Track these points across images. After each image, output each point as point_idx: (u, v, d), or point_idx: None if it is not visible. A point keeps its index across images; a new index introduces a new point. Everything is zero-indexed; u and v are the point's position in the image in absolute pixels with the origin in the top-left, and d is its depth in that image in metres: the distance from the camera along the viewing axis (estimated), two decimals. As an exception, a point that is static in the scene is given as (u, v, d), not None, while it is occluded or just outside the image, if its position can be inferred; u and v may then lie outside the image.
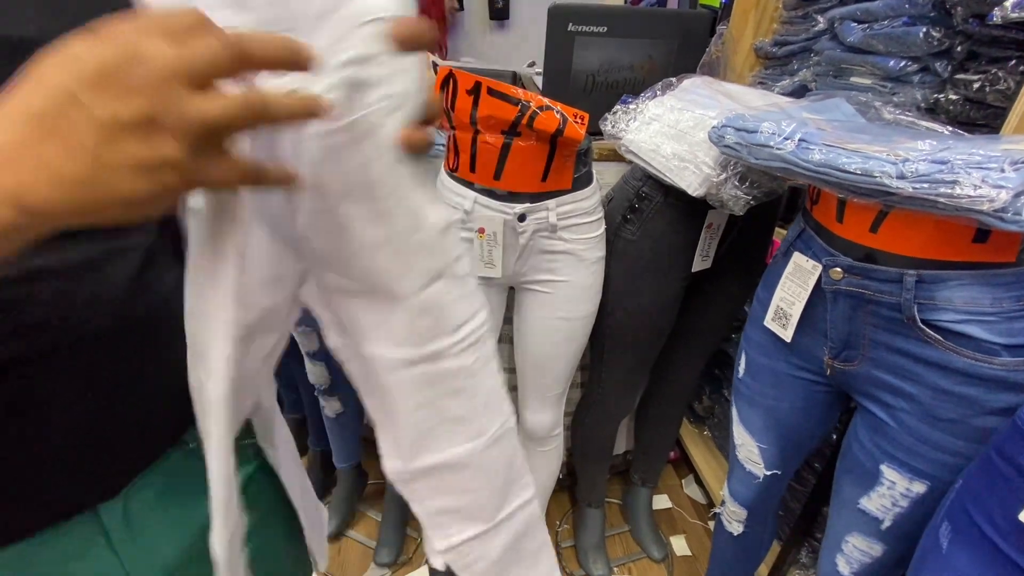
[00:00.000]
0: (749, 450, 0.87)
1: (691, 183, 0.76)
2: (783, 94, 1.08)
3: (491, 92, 0.71)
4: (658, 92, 0.83)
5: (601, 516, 1.40)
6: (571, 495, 1.58)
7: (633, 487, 1.47)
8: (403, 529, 1.41)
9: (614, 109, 0.83)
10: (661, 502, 1.61)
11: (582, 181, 0.82)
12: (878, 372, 0.64)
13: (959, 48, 0.89)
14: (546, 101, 0.71)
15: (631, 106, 0.82)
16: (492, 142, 0.75)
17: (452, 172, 0.84)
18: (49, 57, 0.20)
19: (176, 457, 0.40)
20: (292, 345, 1.33)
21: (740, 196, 0.71)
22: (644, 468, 1.42)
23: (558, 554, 1.43)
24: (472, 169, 0.80)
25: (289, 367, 1.50)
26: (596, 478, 1.34)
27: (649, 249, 0.91)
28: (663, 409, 1.27)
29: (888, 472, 0.65)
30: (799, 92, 1.18)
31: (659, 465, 1.41)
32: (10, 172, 0.20)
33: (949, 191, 0.46)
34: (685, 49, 1.06)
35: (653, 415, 1.29)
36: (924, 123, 0.67)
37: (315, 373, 1.20)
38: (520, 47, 1.94)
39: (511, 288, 0.98)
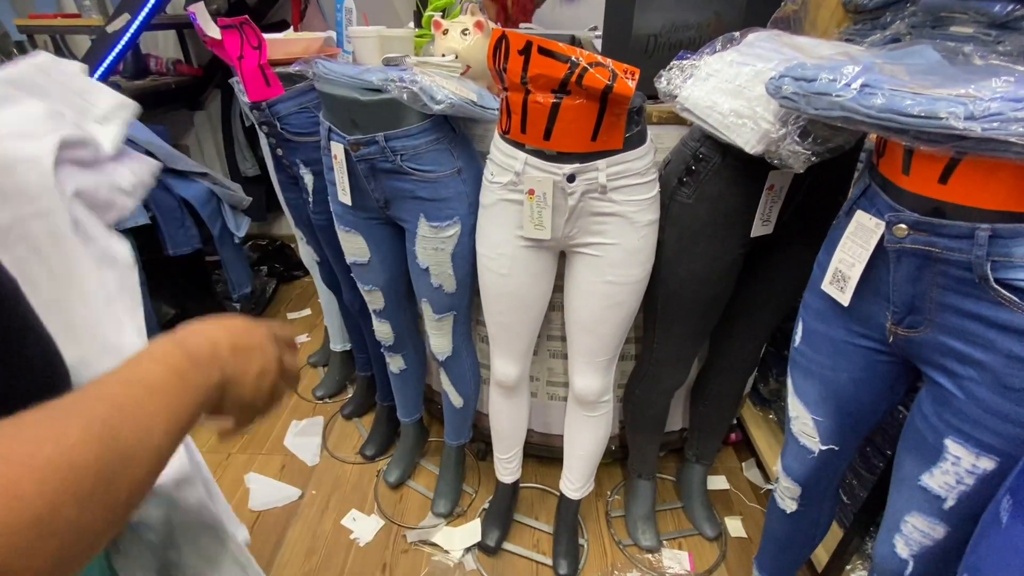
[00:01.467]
0: (804, 423, 0.84)
1: (748, 139, 0.73)
2: (868, 48, 0.99)
3: (541, 51, 0.72)
4: (718, 47, 0.79)
5: (651, 488, 1.40)
6: (623, 468, 1.59)
7: (687, 464, 1.45)
8: (460, 484, 1.49)
9: (669, 66, 0.81)
10: (719, 483, 1.58)
11: (634, 141, 0.82)
12: (945, 338, 0.59)
13: (1084, -15, 0.78)
14: (597, 57, 0.71)
15: (687, 63, 0.79)
16: (542, 101, 0.76)
17: (504, 134, 0.86)
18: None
19: None
20: (364, 306, 1.43)
21: (801, 152, 0.67)
22: (699, 445, 1.39)
23: (607, 523, 1.45)
24: (523, 130, 0.81)
25: (358, 331, 1.62)
26: (646, 449, 1.34)
27: (705, 212, 0.88)
28: (721, 385, 1.24)
29: (953, 447, 0.61)
30: (888, 46, 1.07)
31: (715, 443, 1.38)
32: (228, 365, 0.41)
33: (1026, 130, 0.42)
34: (756, 4, 1.00)
35: (710, 391, 1.26)
36: (1020, 67, 0.60)
37: (380, 331, 1.29)
38: (590, 19, 1.90)
39: (562, 254, 0.99)
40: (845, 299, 0.66)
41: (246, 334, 0.44)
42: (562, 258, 1.01)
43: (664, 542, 1.39)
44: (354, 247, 1.13)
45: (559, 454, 1.59)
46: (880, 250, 0.62)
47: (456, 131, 0.98)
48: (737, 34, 0.81)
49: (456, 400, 1.33)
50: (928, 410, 0.64)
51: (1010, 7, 0.84)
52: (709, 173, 0.86)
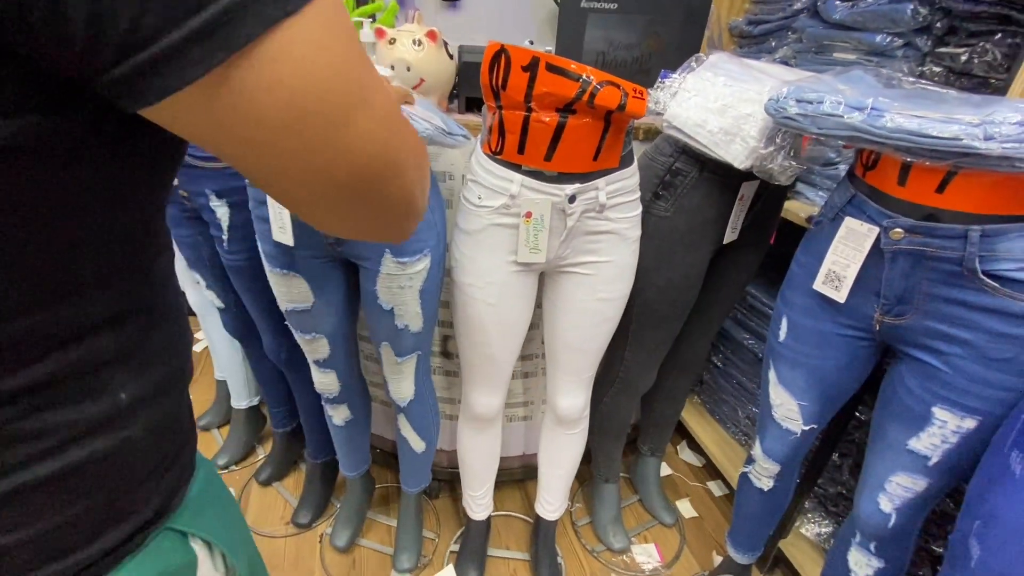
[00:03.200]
0: (788, 409, 0.92)
1: (737, 156, 0.78)
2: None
3: (550, 68, 0.68)
4: (693, 66, 0.83)
5: (617, 491, 1.43)
6: (578, 474, 1.61)
7: (642, 458, 1.51)
8: (421, 532, 1.37)
9: (656, 85, 0.83)
10: (662, 470, 1.68)
11: (628, 159, 0.82)
12: (931, 323, 0.70)
13: (939, 24, 0.98)
14: (606, 75, 0.69)
15: (670, 81, 0.82)
16: (547, 121, 0.72)
17: (495, 155, 0.80)
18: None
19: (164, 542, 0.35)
20: (292, 356, 1.22)
21: (792, 166, 0.73)
22: (653, 439, 1.46)
23: (574, 533, 1.45)
24: (520, 151, 0.76)
25: (275, 383, 1.39)
26: (613, 454, 1.36)
27: (684, 224, 0.92)
28: (675, 381, 1.32)
29: (940, 413, 0.72)
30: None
31: (668, 435, 1.46)
32: None
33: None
34: (689, 26, 1.08)
35: (664, 388, 1.33)
36: (941, 89, 0.72)
37: (323, 382, 1.12)
38: (471, 28, 1.89)
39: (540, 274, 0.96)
40: (841, 296, 0.74)
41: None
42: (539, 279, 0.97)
43: (632, 539, 1.44)
44: (293, 292, 0.97)
45: (517, 475, 1.55)
46: (872, 251, 0.70)
47: None
48: (703, 55, 0.86)
49: (418, 445, 1.21)
50: (912, 384, 0.74)
51: (889, 39, 1.02)
52: (687, 186, 0.90)
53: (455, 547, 1.38)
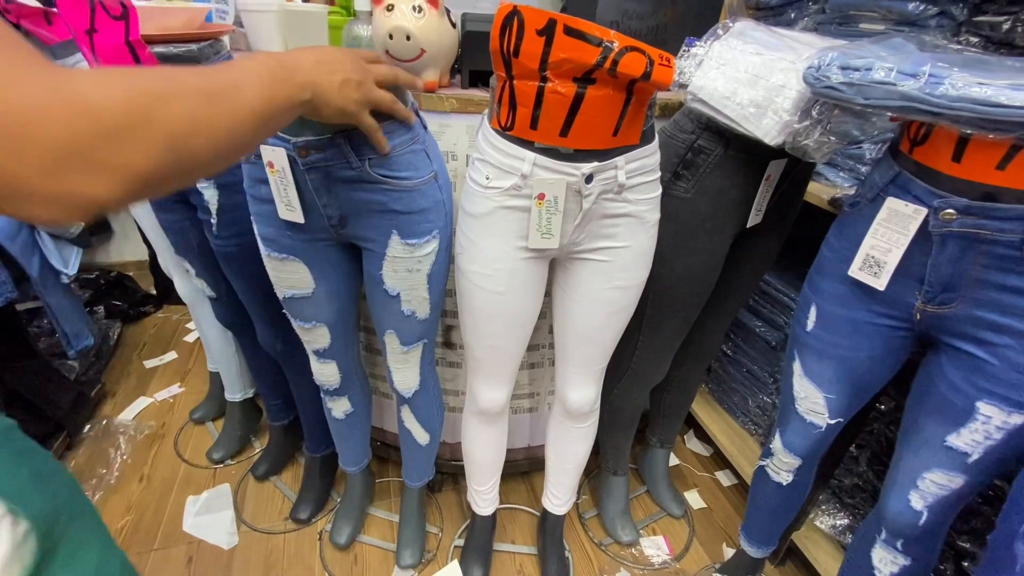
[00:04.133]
0: (813, 402, 0.87)
1: (769, 131, 0.71)
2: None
3: (568, 32, 0.61)
4: (719, 33, 0.77)
5: (626, 483, 1.39)
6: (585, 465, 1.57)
7: (651, 449, 1.47)
8: (424, 527, 1.33)
9: (680, 53, 0.76)
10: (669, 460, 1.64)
11: (648, 135, 0.75)
12: (980, 312, 0.64)
13: (977, -10, 0.91)
14: (629, 40, 0.62)
15: (696, 50, 0.75)
16: (563, 92, 0.66)
17: (505, 130, 0.73)
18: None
19: None
20: (288, 347, 1.17)
21: (830, 142, 0.67)
22: (663, 430, 1.42)
23: (581, 526, 1.42)
24: (533, 126, 0.70)
25: (271, 375, 1.33)
26: (623, 446, 1.32)
27: (705, 206, 0.86)
28: (687, 372, 1.27)
29: (985, 408, 0.67)
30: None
31: (678, 426, 1.42)
32: (312, 75, 0.55)
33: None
34: (707, -6, 1.01)
35: (676, 378, 1.28)
36: (992, 56, 0.66)
37: (323, 373, 1.06)
38: None
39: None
40: (881, 283, 0.69)
41: (328, 53, 0.59)
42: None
43: (640, 531, 1.40)
44: (293, 278, 0.90)
45: (522, 467, 1.51)
46: (917, 235, 0.64)
47: (426, 126, 0.83)
48: (730, 22, 0.79)
49: (422, 438, 1.16)
50: (955, 377, 0.69)
51: (923, 6, 0.95)
52: (710, 166, 0.84)
53: (459, 542, 1.34)
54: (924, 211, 0.63)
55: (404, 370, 1.02)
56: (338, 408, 1.15)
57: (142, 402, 1.71)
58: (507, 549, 1.34)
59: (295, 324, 0.99)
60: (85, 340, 1.50)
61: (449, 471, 1.46)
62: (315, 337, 1.00)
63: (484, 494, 1.22)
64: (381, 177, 0.77)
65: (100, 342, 1.78)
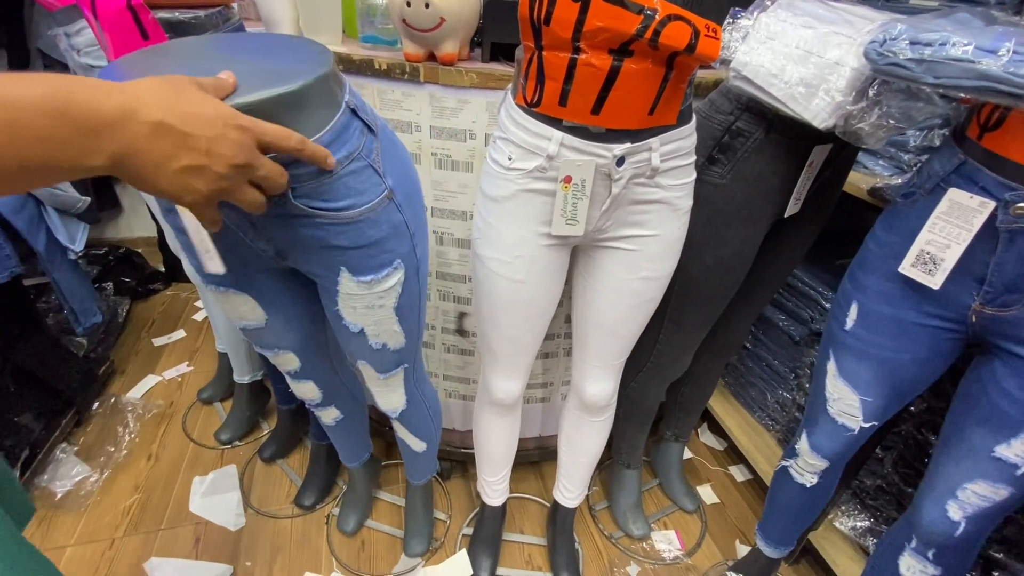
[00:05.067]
0: (848, 404, 0.82)
1: (819, 113, 0.65)
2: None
3: (606, -3, 0.55)
4: (767, 3, 0.70)
5: (638, 476, 1.36)
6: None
7: (665, 442, 1.44)
8: (431, 516, 1.31)
9: (725, 25, 0.70)
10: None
11: (686, 115, 0.70)
12: (1047, 316, 0.59)
13: (1047, -38, 0.83)
14: (673, 8, 0.56)
15: (742, 21, 0.69)
16: (598, 65, 0.60)
17: (530, 107, 0.68)
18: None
19: None
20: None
21: (889, 125, 0.61)
22: (678, 424, 1.38)
23: (591, 518, 1.39)
24: (563, 102, 0.64)
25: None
26: (637, 440, 1.29)
27: (741, 193, 0.81)
28: (707, 365, 1.22)
29: (1043, 419, 0.62)
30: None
31: (694, 420, 1.38)
32: (130, 144, 0.38)
33: None
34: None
35: (696, 371, 1.24)
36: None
37: (303, 391, 0.99)
38: None
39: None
40: (936, 282, 0.64)
41: (196, 121, 0.40)
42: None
43: (651, 525, 1.38)
44: (241, 310, 0.77)
45: (533, 457, 1.48)
46: (981, 230, 0.59)
47: (373, 128, 0.64)
48: (778, -9, 0.72)
49: (418, 446, 1.10)
50: (1010, 385, 0.64)
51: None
52: (749, 150, 0.78)
53: (468, 531, 1.32)
54: (992, 204, 0.57)
55: (386, 394, 0.93)
56: (327, 416, 1.08)
57: (150, 380, 1.70)
58: (516, 539, 1.32)
59: (257, 350, 0.90)
60: (93, 317, 1.48)
61: (459, 459, 1.44)
62: (284, 362, 0.91)
63: (495, 485, 1.19)
64: (314, 210, 0.60)
65: (109, 319, 1.76)
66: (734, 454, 1.61)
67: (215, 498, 1.35)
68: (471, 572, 1.21)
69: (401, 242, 0.70)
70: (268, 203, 0.52)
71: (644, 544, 1.34)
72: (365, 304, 0.73)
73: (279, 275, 0.77)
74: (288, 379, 0.97)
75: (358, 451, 1.23)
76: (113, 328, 1.80)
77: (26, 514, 0.69)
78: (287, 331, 0.84)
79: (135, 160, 0.39)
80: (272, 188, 0.50)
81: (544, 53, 0.62)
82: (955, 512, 0.75)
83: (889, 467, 1.15)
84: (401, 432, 1.07)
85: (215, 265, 0.62)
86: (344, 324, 0.76)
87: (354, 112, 0.61)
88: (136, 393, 1.65)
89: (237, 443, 1.51)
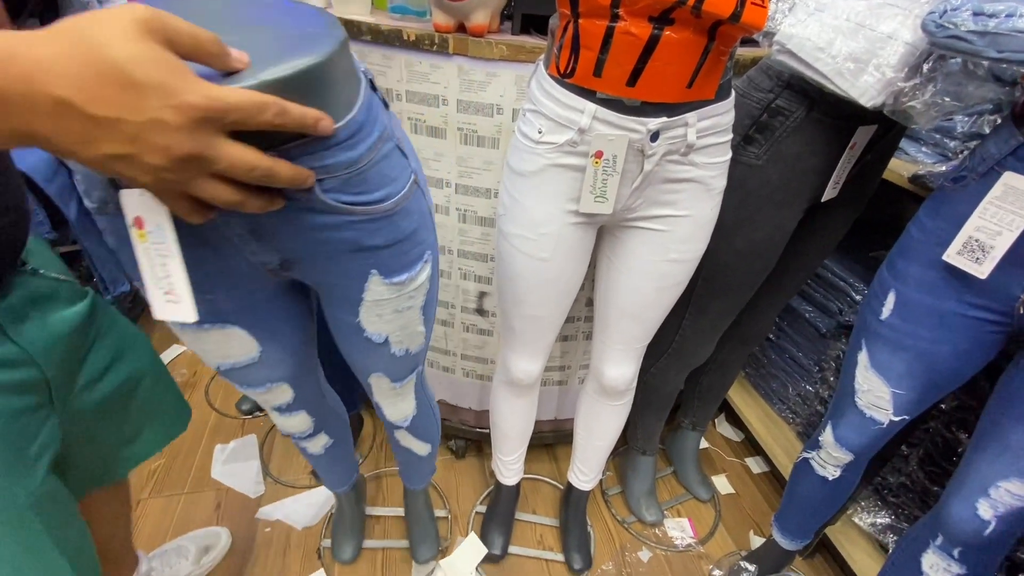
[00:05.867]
0: (877, 396, 0.80)
1: (867, 90, 0.62)
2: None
3: (649, -39, 0.53)
4: (816, -26, 0.67)
5: (653, 463, 1.35)
6: (612, 442, 1.53)
7: (682, 431, 1.42)
8: (433, 519, 1.23)
9: (770, -5, 0.66)
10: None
11: (725, 89, 0.67)
12: (1102, 310, 0.56)
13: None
14: (719, -25, 0.54)
15: (788, -8, 0.66)
16: (637, 33, 0.58)
17: (564, 78, 0.66)
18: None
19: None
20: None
21: (942, 104, 0.58)
22: (696, 413, 1.37)
23: (604, 502, 1.39)
24: (597, 72, 0.62)
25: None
26: (654, 427, 1.28)
27: (777, 175, 0.78)
28: (730, 354, 1.20)
29: (1091, 418, 0.59)
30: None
31: (713, 410, 1.36)
32: (38, 123, 0.31)
33: None
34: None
35: (717, 360, 1.22)
36: None
37: (291, 425, 0.88)
38: None
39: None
40: (983, 271, 0.61)
41: (115, 100, 0.30)
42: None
43: (664, 512, 1.37)
44: (226, 349, 0.65)
45: (548, 439, 1.48)
46: (1036, 216, 0.56)
47: (387, 102, 0.55)
48: (827, -39, 0.69)
49: (423, 450, 1.01)
50: (1056, 382, 0.62)
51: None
52: (788, 129, 0.75)
53: (481, 508, 1.33)
54: (1051, 189, 0.54)
55: (397, 404, 0.84)
56: (315, 445, 0.96)
57: (175, 349, 1.74)
58: (528, 519, 1.33)
59: (241, 391, 0.76)
60: (122, 286, 1.51)
61: (473, 438, 1.44)
62: (275, 396, 0.78)
63: (510, 464, 1.19)
64: (346, 206, 0.49)
65: (136, 289, 1.80)
66: (751, 445, 1.59)
67: (236, 465, 1.39)
68: (485, 551, 1.22)
69: (428, 230, 0.61)
70: (280, 200, 0.43)
71: (656, 530, 1.34)
72: (393, 308, 0.62)
73: (272, 292, 0.63)
74: (275, 416, 0.84)
75: (349, 472, 1.13)
76: (140, 298, 1.83)
77: (185, 418, 0.77)
78: (282, 361, 0.71)
79: (46, 143, 0.31)
80: (259, 181, 0.38)
81: (581, 21, 0.60)
82: (985, 511, 0.73)
83: (915, 464, 1.12)
84: (405, 440, 0.96)
85: (183, 310, 0.43)
86: (365, 336, 0.65)
87: (371, 84, 0.51)
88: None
89: (258, 413, 1.53)
